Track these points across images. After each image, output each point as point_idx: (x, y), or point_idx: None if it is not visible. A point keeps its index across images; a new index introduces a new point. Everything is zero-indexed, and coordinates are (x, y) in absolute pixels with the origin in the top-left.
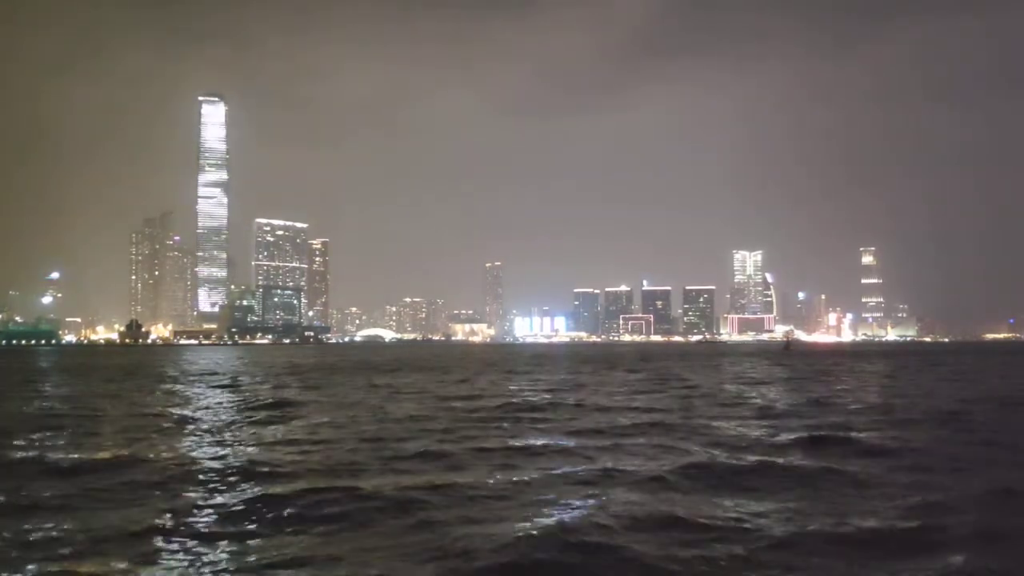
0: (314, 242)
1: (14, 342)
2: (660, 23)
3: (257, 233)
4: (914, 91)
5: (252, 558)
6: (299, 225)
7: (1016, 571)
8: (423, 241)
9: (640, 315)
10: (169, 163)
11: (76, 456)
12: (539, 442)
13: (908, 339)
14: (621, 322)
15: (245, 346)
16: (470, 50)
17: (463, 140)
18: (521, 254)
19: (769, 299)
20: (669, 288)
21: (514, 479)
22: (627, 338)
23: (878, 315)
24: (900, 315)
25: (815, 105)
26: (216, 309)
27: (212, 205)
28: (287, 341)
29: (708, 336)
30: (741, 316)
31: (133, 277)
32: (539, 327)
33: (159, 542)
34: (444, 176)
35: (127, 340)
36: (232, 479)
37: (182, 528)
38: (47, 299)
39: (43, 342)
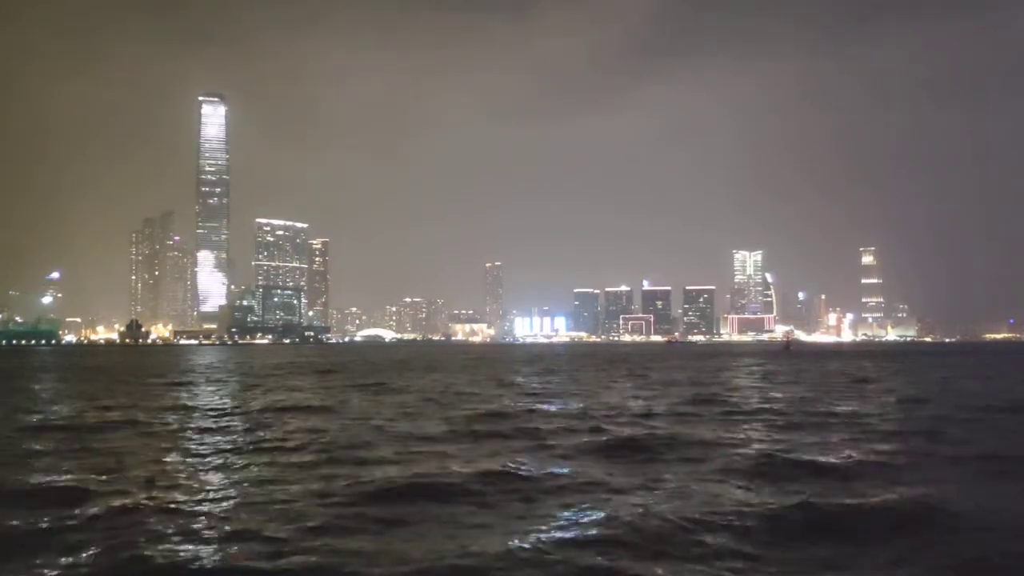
0: (314, 242)
1: (14, 342)
2: (658, 25)
3: (257, 233)
4: (914, 91)
5: None
6: (299, 225)
7: None
8: (423, 241)
9: (640, 315)
10: (169, 163)
11: None
12: None
13: (908, 339)
14: (621, 322)
15: (245, 346)
16: (469, 52)
17: (463, 141)
18: (521, 254)
19: (769, 299)
20: (669, 288)
21: None
22: (627, 338)
23: (878, 315)
24: (900, 315)
25: (814, 105)
26: (216, 309)
27: (212, 205)
28: (287, 341)
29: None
30: (741, 316)
31: (133, 277)
32: (539, 327)
33: None
34: (444, 176)
35: (127, 340)
36: None
37: None
38: (47, 299)
39: (43, 342)
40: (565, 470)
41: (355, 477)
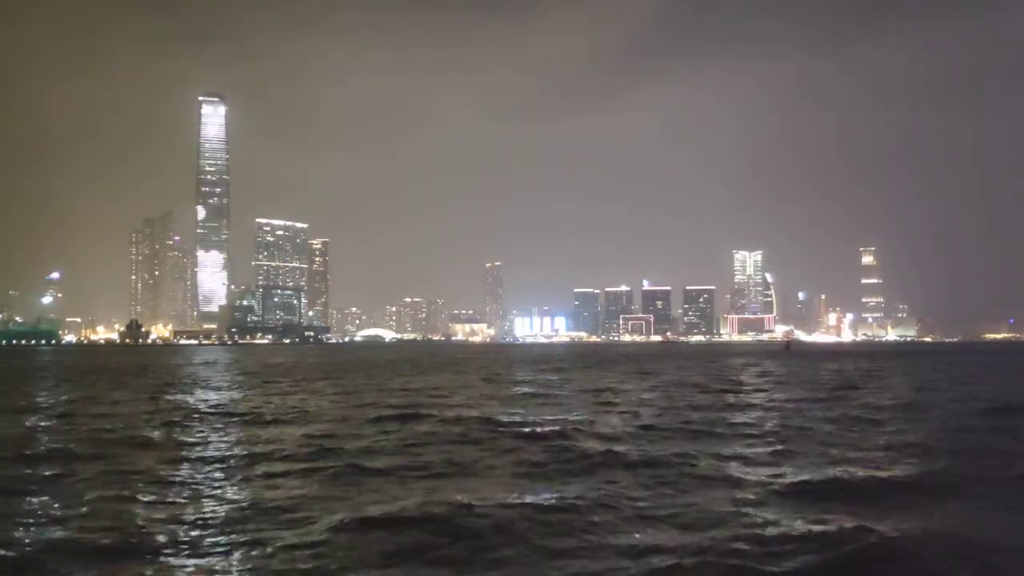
0: (314, 242)
1: (14, 342)
2: (658, 25)
3: (257, 233)
4: (914, 91)
5: None
6: (299, 225)
7: None
8: (423, 241)
9: (640, 315)
10: (169, 163)
11: None
12: None
13: (908, 339)
14: (621, 322)
15: (245, 346)
16: (469, 52)
17: (463, 141)
18: (521, 254)
19: (769, 299)
20: (669, 288)
21: None
22: (627, 338)
23: (878, 315)
24: (900, 315)
25: (814, 105)
26: (216, 309)
27: (212, 205)
28: (287, 341)
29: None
30: (741, 316)
31: (133, 277)
32: (539, 327)
33: None
34: (444, 176)
35: (127, 340)
36: None
37: None
38: (47, 299)
39: (43, 342)
40: None
41: None
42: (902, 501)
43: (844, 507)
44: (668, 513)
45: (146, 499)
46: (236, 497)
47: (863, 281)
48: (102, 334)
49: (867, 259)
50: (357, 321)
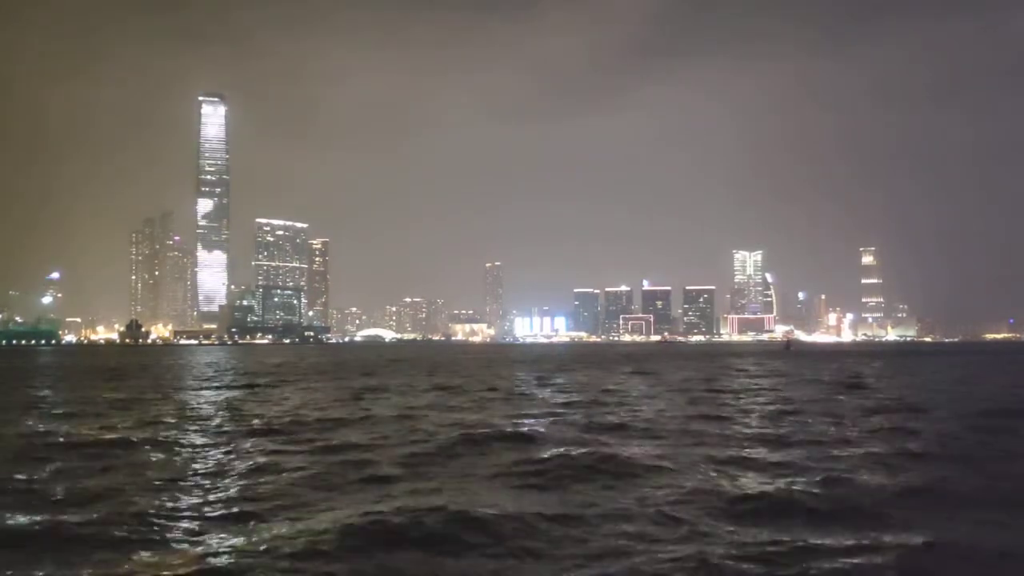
0: (314, 242)
1: (14, 342)
2: (658, 25)
3: (257, 233)
4: (914, 91)
5: None
6: (299, 225)
7: None
8: (423, 241)
9: (640, 315)
10: (169, 163)
11: None
12: None
13: (908, 339)
14: (621, 322)
15: (245, 346)
16: (469, 52)
17: (463, 141)
18: (521, 254)
19: (769, 299)
20: (669, 288)
21: None
22: (627, 338)
23: (878, 315)
24: (900, 315)
25: (814, 105)
26: (216, 309)
27: (212, 205)
28: (287, 341)
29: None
30: (741, 316)
31: (133, 277)
32: (539, 327)
33: None
34: (444, 176)
35: (127, 340)
36: None
37: None
38: (47, 299)
39: (43, 342)
40: None
41: None
42: (903, 505)
43: (844, 511)
44: (666, 515)
45: (144, 497)
46: (233, 496)
47: (863, 281)
48: (102, 334)
49: (867, 259)
50: (357, 321)
